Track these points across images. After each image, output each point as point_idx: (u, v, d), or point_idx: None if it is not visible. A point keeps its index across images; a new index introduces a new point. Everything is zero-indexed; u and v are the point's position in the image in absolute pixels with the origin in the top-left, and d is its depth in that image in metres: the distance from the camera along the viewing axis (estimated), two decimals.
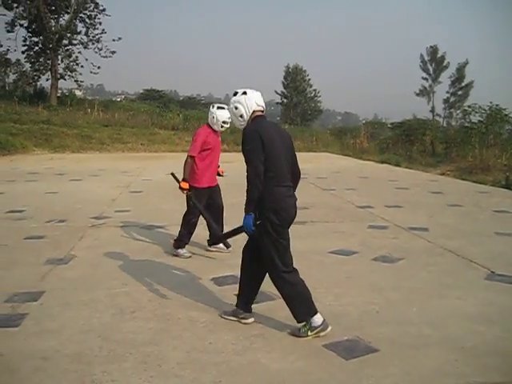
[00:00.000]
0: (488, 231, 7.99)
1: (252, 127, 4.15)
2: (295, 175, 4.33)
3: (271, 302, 4.84)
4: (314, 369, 3.57)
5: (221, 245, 6.65)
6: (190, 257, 6.45)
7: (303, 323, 4.13)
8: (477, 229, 8.20)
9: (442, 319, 4.48)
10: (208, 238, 6.58)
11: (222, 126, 6.55)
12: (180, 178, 6.35)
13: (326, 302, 4.83)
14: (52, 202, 10.51)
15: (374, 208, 9.99)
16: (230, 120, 6.35)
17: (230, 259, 6.30)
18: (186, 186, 6.30)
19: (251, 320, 4.38)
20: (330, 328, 4.13)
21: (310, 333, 4.08)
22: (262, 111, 4.29)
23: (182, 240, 6.57)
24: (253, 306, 4.55)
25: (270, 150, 4.03)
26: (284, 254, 4.13)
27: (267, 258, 4.15)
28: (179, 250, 6.52)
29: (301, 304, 4.15)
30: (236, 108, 4.27)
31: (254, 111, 4.23)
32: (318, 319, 4.11)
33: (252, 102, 4.23)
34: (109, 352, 3.82)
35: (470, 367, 3.61)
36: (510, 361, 3.73)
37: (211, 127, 6.58)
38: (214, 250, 6.69)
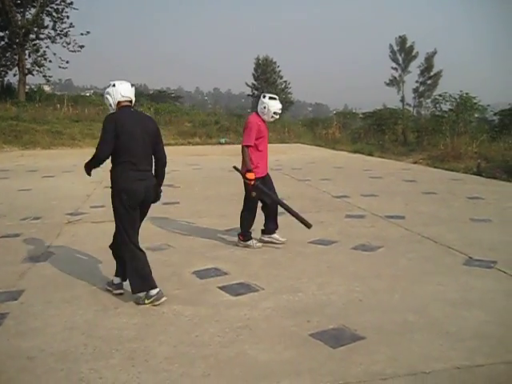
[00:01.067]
0: (463, 218, 8.11)
1: (111, 115, 4.67)
2: (160, 160, 4.87)
3: (255, 294, 4.85)
4: (302, 358, 3.58)
5: (275, 235, 6.68)
6: (261, 247, 6.54)
7: (144, 292, 4.61)
8: (452, 216, 8.32)
9: (425, 305, 4.54)
10: (263, 228, 6.77)
11: (272, 117, 6.45)
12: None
13: (309, 292, 4.86)
14: (26, 199, 10.33)
15: (350, 197, 10.05)
16: (280, 111, 6.51)
17: (210, 252, 6.30)
18: (252, 176, 6.22)
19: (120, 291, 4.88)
20: (164, 298, 4.63)
21: (146, 300, 4.59)
22: (130, 101, 4.73)
23: (246, 233, 6.59)
24: (236, 297, 4.68)
25: (124, 137, 4.52)
26: (129, 227, 4.70)
27: (117, 227, 4.79)
28: (248, 242, 6.54)
29: (139, 278, 4.61)
30: (106, 99, 4.75)
31: (119, 102, 4.68)
32: (154, 291, 4.60)
33: (118, 93, 4.67)
34: (94, 349, 3.77)
35: (456, 351, 3.67)
36: (492, 343, 3.80)
37: (260, 116, 6.46)
38: (267, 239, 6.69)
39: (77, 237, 7.16)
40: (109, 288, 4.97)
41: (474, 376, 3.35)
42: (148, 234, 7.18)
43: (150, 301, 4.59)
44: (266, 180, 6.56)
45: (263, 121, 6.48)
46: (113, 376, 3.38)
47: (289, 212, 6.40)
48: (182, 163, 16.86)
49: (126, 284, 4.90)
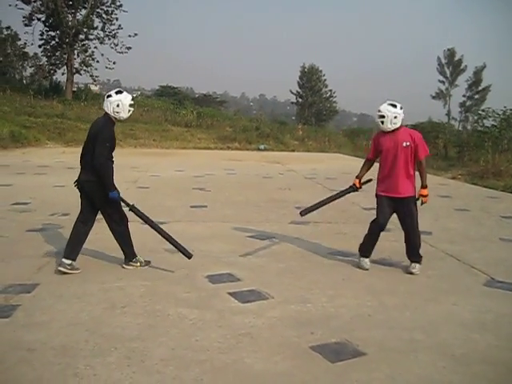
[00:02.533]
0: (492, 237, 7.89)
1: None
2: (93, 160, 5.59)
3: (264, 302, 4.81)
4: (298, 371, 3.52)
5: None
6: (367, 269, 5.98)
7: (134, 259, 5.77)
8: (481, 234, 8.10)
9: (435, 325, 4.41)
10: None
11: (382, 123, 5.80)
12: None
13: (318, 304, 4.79)
14: (58, 196, 10.56)
15: None
16: (381, 113, 5.75)
17: (228, 257, 6.29)
18: (355, 182, 6.37)
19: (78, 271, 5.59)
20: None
21: (138, 264, 5.75)
22: (105, 111, 5.68)
23: (362, 248, 6.18)
24: (244, 304, 4.69)
25: None
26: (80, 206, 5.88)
27: None
28: (360, 260, 6.12)
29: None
30: None
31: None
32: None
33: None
34: (94, 346, 3.80)
35: (458, 375, 3.55)
36: (500, 370, 3.66)
37: None
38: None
39: (100, 234, 7.20)
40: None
41: None
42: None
43: (139, 264, 5.78)
44: (398, 203, 5.93)
45: (387, 132, 5.89)
46: (106, 374, 3.40)
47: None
48: (218, 167, 16.98)
49: (131, 283, 4.92)
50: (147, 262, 5.85)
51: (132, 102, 5.78)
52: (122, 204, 5.74)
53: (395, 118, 5.76)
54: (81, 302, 4.68)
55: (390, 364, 3.67)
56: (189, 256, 5.72)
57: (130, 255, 5.80)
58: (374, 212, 9.65)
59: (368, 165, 6.33)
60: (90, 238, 7.01)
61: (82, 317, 4.35)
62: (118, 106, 5.58)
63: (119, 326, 4.17)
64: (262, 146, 28.07)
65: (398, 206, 5.95)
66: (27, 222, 7.98)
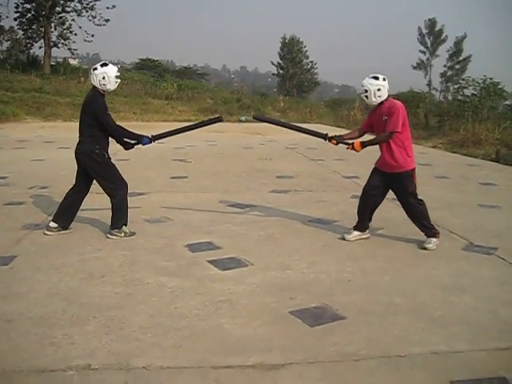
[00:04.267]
0: (472, 203, 7.94)
1: None
2: (109, 130, 5.76)
3: (243, 269, 4.81)
4: (277, 335, 3.53)
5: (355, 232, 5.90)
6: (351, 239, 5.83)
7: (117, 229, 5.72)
8: (461, 200, 8.15)
9: (414, 288, 4.44)
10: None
11: (366, 98, 5.72)
12: None
13: (298, 270, 4.80)
14: (37, 169, 10.42)
15: (360, 178, 9.89)
16: (363, 87, 5.69)
17: (207, 226, 6.26)
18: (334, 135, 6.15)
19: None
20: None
21: (122, 234, 5.71)
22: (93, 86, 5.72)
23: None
24: (224, 272, 4.70)
25: None
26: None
27: None
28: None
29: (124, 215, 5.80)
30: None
31: None
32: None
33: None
34: (72, 315, 3.77)
35: (436, 336, 3.58)
36: (476, 330, 3.70)
37: None
38: (354, 239, 5.82)
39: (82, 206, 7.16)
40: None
41: (449, 362, 3.25)
42: (149, 206, 7.23)
43: (124, 235, 5.73)
44: (387, 178, 5.90)
45: (376, 107, 5.81)
46: (84, 342, 3.37)
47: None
48: (199, 139, 16.80)
49: (110, 254, 4.88)
50: (132, 233, 5.81)
51: (118, 74, 5.81)
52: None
53: (378, 90, 5.59)
54: (59, 273, 4.63)
55: (369, 327, 3.69)
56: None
57: (118, 222, 5.74)
58: (355, 180, 9.73)
59: (358, 131, 6.20)
60: None
61: (60, 287, 4.31)
62: (103, 78, 5.62)
63: (97, 296, 4.14)
64: (243, 118, 27.84)
65: (391, 182, 5.85)
66: (5, 195, 7.86)
